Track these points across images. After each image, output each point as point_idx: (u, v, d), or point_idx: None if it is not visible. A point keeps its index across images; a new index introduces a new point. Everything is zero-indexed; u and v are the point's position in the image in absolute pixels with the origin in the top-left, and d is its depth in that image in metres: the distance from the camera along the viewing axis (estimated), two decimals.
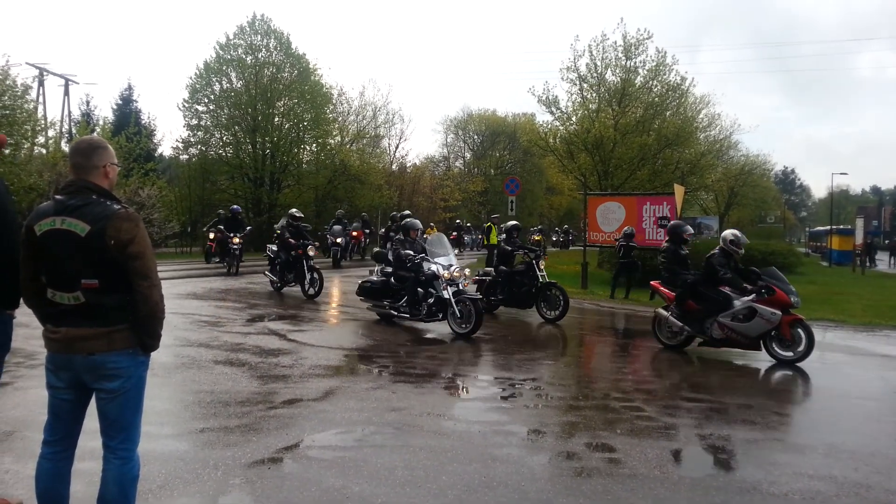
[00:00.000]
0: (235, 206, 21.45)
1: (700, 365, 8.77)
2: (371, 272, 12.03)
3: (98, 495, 3.12)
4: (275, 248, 15.25)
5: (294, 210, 16.18)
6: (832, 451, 5.21)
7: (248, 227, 21.20)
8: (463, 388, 7.07)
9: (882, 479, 4.64)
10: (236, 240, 18.85)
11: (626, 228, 16.36)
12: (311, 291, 13.85)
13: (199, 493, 3.98)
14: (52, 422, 3.19)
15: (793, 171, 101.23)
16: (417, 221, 11.99)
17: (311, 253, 13.98)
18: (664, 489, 4.31)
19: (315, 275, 14.03)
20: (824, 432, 5.84)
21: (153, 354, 3.23)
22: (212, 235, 22.35)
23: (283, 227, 15.15)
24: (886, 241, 50.68)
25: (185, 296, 13.58)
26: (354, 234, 27.59)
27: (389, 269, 11.37)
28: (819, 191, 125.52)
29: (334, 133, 39.77)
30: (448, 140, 60.99)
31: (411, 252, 10.93)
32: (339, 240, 24.35)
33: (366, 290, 11.46)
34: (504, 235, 13.81)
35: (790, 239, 70.79)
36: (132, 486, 3.14)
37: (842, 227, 44.80)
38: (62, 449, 3.19)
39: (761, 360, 8.94)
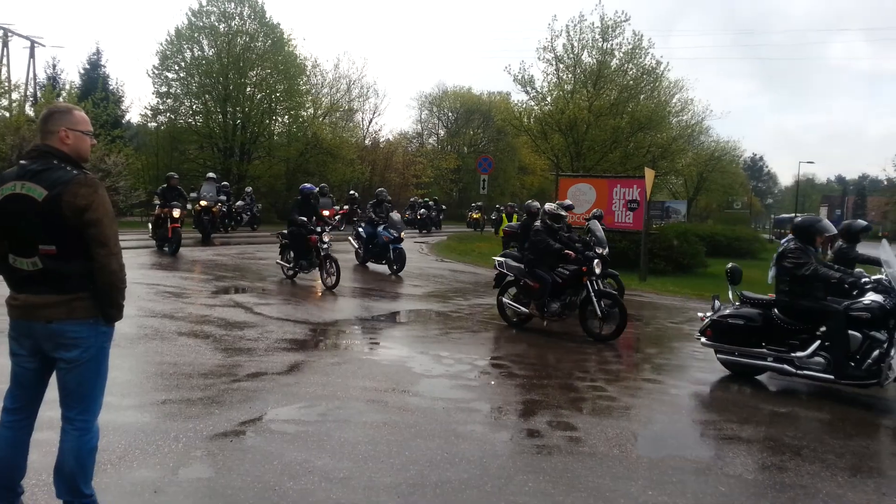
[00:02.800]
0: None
1: (662, 347, 8.91)
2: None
3: (55, 465, 3.08)
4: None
5: (307, 186, 13.29)
6: (787, 434, 5.35)
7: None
8: (428, 365, 7.09)
9: (836, 459, 4.77)
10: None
11: (595, 210, 16.48)
12: (330, 282, 11.60)
13: (159, 465, 3.96)
14: (14, 389, 3.15)
15: (761, 159, 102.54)
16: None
17: (325, 239, 11.77)
18: (622, 468, 4.40)
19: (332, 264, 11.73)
20: (778, 416, 5.98)
21: (116, 324, 3.18)
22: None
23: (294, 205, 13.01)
24: None
25: (150, 266, 13.40)
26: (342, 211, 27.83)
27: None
28: (786, 178, 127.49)
29: (307, 105, 39.27)
30: (422, 116, 60.69)
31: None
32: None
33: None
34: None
35: (756, 225, 71.95)
36: (90, 457, 3.11)
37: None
38: (23, 417, 3.16)
39: None
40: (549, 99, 29.46)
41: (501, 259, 9.90)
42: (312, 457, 4.23)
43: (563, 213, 9.57)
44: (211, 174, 22.59)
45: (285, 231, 12.77)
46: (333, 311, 9.85)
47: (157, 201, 15.85)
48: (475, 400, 5.81)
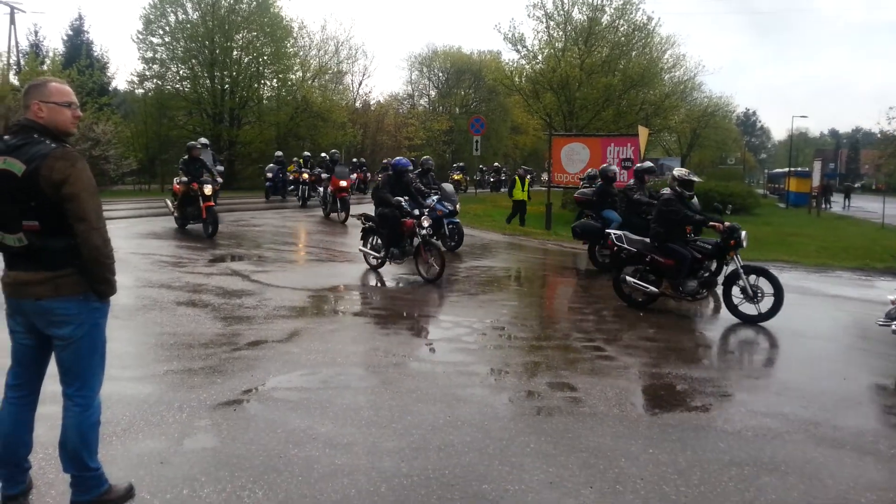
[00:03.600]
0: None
1: (658, 307, 8.96)
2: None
3: (59, 441, 3.10)
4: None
5: (398, 160, 11.07)
6: (784, 390, 5.42)
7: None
8: (428, 329, 7.12)
9: (829, 416, 4.84)
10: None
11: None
12: (432, 273, 9.60)
13: (164, 436, 3.99)
14: (15, 366, 3.16)
15: (754, 114, 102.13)
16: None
17: (425, 224, 9.72)
18: (623, 427, 4.45)
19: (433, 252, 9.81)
20: (776, 371, 6.07)
21: (113, 297, 3.16)
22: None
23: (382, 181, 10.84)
24: (843, 184, 51.84)
25: (144, 235, 13.33)
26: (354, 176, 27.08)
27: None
28: (779, 133, 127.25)
29: (295, 68, 38.76)
30: (412, 77, 59.90)
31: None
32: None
33: None
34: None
35: (749, 181, 71.93)
36: (92, 432, 3.12)
37: (799, 169, 45.65)
38: (27, 393, 3.16)
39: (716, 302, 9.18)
40: (539, 57, 29.18)
41: (619, 233, 8.69)
42: (315, 423, 4.27)
43: (695, 178, 8.70)
44: (203, 139, 20.65)
45: (367, 212, 10.81)
46: (331, 278, 9.85)
47: (182, 176, 13.61)
48: (475, 363, 5.85)
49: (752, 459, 4.01)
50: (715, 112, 52.38)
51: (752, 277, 7.73)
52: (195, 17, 34.34)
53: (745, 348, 7.08)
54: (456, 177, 36.81)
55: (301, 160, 24.52)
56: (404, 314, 7.71)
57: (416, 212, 9.95)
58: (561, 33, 29.01)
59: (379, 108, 49.20)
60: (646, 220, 10.17)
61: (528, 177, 19.94)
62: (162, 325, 6.56)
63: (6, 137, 2.97)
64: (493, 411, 4.68)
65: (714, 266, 8.19)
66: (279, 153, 26.45)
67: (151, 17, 34.14)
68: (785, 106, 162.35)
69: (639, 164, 12.14)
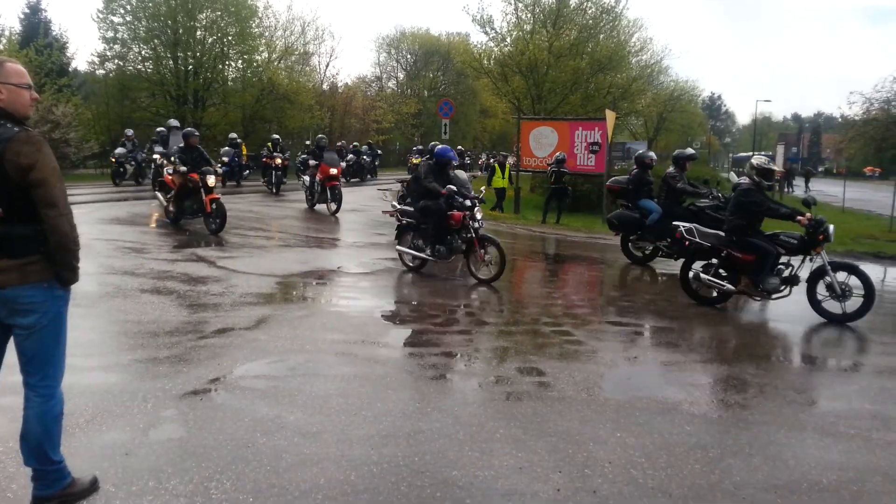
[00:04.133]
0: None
1: (625, 290, 9.06)
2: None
3: (21, 433, 3.02)
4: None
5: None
6: (746, 372, 5.51)
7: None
8: (398, 316, 7.10)
9: (797, 396, 4.94)
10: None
11: (557, 154, 16.46)
12: (489, 272, 8.74)
13: (128, 426, 3.92)
14: None
15: (719, 98, 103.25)
16: None
17: (479, 216, 8.86)
18: (591, 411, 4.49)
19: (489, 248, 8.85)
20: (743, 355, 6.16)
21: (75, 285, 3.09)
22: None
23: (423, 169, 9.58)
24: (804, 168, 52.81)
25: (107, 220, 13.04)
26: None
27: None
28: (743, 117, 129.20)
29: (261, 49, 38.05)
30: (380, 59, 59.39)
31: None
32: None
33: None
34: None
35: (714, 164, 72.88)
36: (55, 422, 3.05)
37: (763, 153, 46.36)
38: None
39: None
40: (508, 40, 29.06)
41: (688, 226, 8.07)
42: (284, 412, 4.23)
43: (775, 167, 8.25)
44: (174, 121, 19.63)
45: (403, 206, 9.79)
46: (298, 263, 9.75)
47: (178, 166, 12.06)
48: (445, 349, 5.85)
49: (717, 442, 4.08)
50: (681, 96, 52.88)
51: (842, 274, 7.37)
52: None
53: (711, 331, 7.18)
54: (414, 160, 36.12)
55: (270, 144, 24.04)
56: (374, 300, 7.67)
57: (468, 203, 8.76)
58: (529, 15, 28.96)
59: (347, 90, 48.69)
60: (689, 210, 9.89)
61: (508, 163, 19.51)
62: (126, 312, 6.43)
63: None
64: (463, 397, 4.70)
65: (796, 261, 7.71)
66: (233, 135, 25.55)
67: None
68: (749, 90, 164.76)
69: (679, 151, 11.42)
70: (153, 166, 17.70)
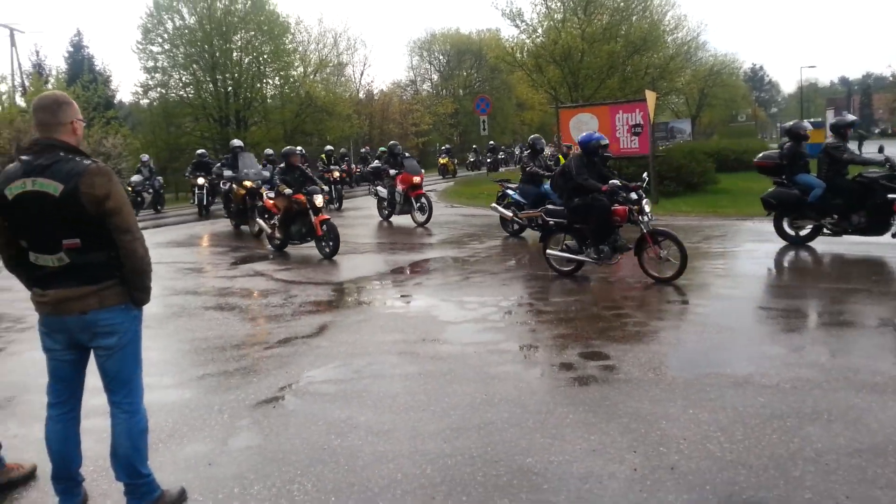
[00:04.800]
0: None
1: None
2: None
3: (110, 450, 3.15)
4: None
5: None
6: (817, 340, 5.39)
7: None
8: (454, 311, 7.14)
9: (869, 361, 4.81)
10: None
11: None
12: (668, 271, 7.78)
13: (208, 438, 4.05)
14: (54, 384, 3.19)
15: (761, 68, 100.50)
16: None
17: (647, 209, 7.89)
18: (659, 390, 4.45)
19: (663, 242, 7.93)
20: (810, 323, 6.02)
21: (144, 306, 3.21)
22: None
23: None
24: (856, 131, 51.02)
25: (165, 244, 13.46)
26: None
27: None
28: (788, 86, 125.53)
29: (296, 64, 38.69)
30: (413, 63, 59.68)
31: None
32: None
33: None
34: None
35: (763, 136, 71.07)
36: (142, 438, 3.17)
37: (812, 120, 44.99)
38: (68, 409, 3.20)
39: (741, 257, 9.12)
40: (539, 30, 28.84)
41: None
42: (354, 413, 4.31)
43: None
44: (238, 141, 17.52)
45: (549, 205, 9.08)
46: (352, 270, 9.88)
47: (282, 188, 10.97)
48: (504, 341, 5.87)
49: (793, 411, 4.00)
50: (721, 70, 51.65)
51: None
52: (192, 21, 34.34)
53: (778, 302, 7.01)
54: (442, 161, 34.37)
55: (325, 157, 23.30)
56: (429, 298, 7.73)
57: (633, 196, 7.81)
58: (559, 4, 28.68)
59: (383, 96, 49.08)
60: (857, 182, 9.06)
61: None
62: (193, 330, 6.63)
63: (26, 158, 2.95)
64: (529, 386, 4.70)
65: None
66: (269, 151, 23.69)
67: (149, 25, 34.21)
68: (792, 57, 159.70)
69: (839, 118, 10.62)
70: (222, 191, 16.59)
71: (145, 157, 22.82)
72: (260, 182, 14.09)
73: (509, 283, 8.38)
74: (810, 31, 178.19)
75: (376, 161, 21.12)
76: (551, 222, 8.45)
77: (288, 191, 10.85)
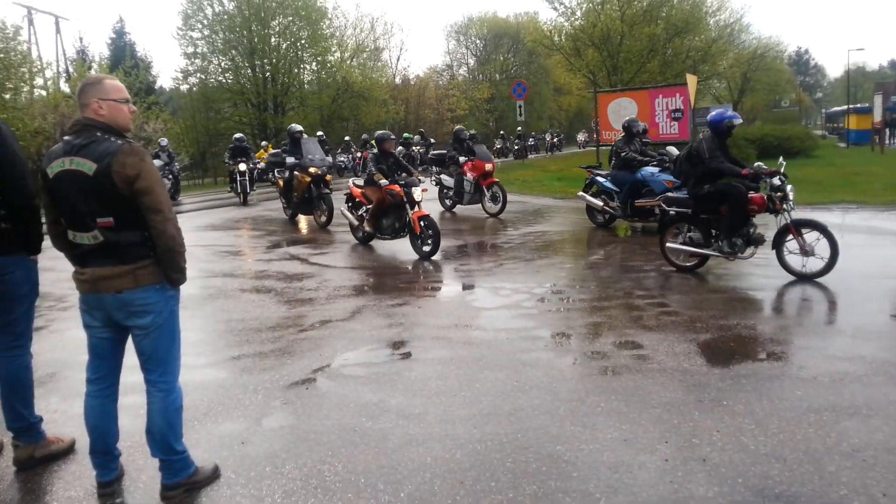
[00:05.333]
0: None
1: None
2: None
3: (146, 427, 3.23)
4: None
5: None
6: (859, 333, 5.25)
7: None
8: (487, 297, 7.13)
9: None
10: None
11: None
12: (816, 267, 6.92)
13: (242, 417, 4.12)
14: (93, 360, 3.27)
15: (806, 52, 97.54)
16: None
17: (791, 195, 7.16)
18: (694, 381, 4.39)
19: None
20: (850, 314, 5.87)
21: (181, 287, 3.26)
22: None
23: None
24: None
25: (203, 227, 13.68)
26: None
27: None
28: (835, 70, 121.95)
29: (333, 49, 38.92)
30: (450, 47, 59.79)
31: None
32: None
33: None
34: None
35: (806, 122, 69.27)
36: (177, 415, 3.24)
37: (859, 105, 43.67)
38: (106, 386, 3.28)
39: None
40: (578, 13, 28.58)
41: None
42: (386, 396, 4.34)
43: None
44: (298, 126, 15.25)
45: (669, 195, 8.07)
46: (386, 255, 9.93)
47: (378, 177, 9.80)
48: (537, 328, 5.84)
49: (831, 405, 3.91)
50: (765, 54, 50.52)
51: None
52: (231, 7, 34.74)
53: (813, 295, 6.86)
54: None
55: (374, 143, 22.22)
56: (463, 285, 7.74)
57: (776, 181, 7.05)
58: None
59: (419, 81, 49.06)
60: None
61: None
62: (229, 312, 6.74)
63: (67, 138, 3.03)
64: (560, 374, 4.68)
65: None
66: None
67: (189, 12, 34.70)
68: (839, 40, 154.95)
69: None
70: (280, 178, 14.93)
71: (164, 141, 22.15)
72: (325, 169, 13.32)
73: (543, 271, 8.32)
74: (858, 13, 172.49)
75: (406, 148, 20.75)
76: (672, 212, 7.68)
77: (384, 181, 9.74)
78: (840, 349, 4.91)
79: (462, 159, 14.06)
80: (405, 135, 29.03)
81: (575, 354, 5.12)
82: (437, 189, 15.00)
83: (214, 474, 3.38)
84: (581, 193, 11.90)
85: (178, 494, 3.23)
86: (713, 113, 7.69)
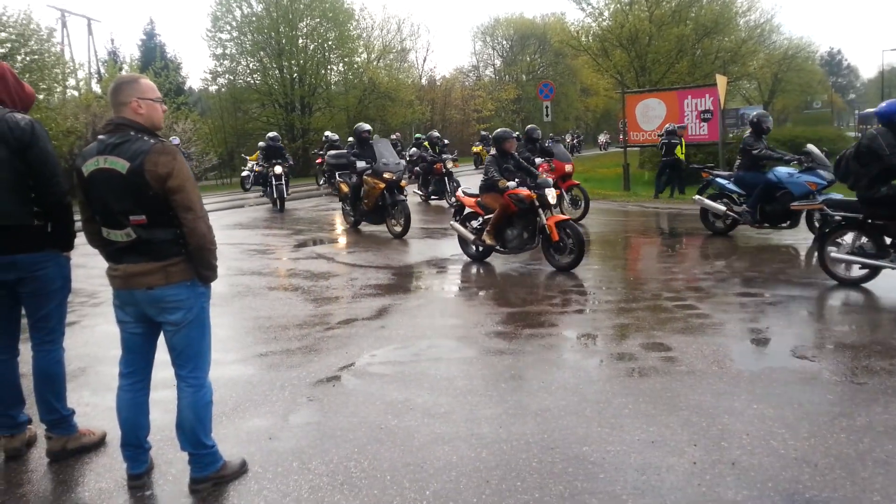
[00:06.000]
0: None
1: (751, 259, 8.65)
2: None
3: (176, 422, 3.27)
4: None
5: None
6: (892, 335, 5.15)
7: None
8: (512, 299, 7.11)
9: None
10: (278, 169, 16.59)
11: (667, 125, 15.91)
12: None
13: (270, 413, 4.15)
14: (126, 355, 3.32)
15: (839, 52, 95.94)
16: None
17: None
18: (723, 384, 4.34)
19: None
20: (886, 319, 5.75)
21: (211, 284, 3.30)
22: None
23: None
24: None
25: (232, 226, 13.82)
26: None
27: None
28: (868, 71, 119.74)
29: (360, 51, 39.17)
30: (476, 48, 59.85)
31: None
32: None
33: None
34: None
35: (839, 124, 68.03)
36: (206, 410, 3.28)
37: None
38: (138, 380, 3.33)
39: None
40: (606, 13, 28.43)
41: None
42: (412, 395, 4.34)
43: None
44: (365, 125, 13.63)
45: (831, 196, 7.42)
46: (411, 255, 9.95)
47: (502, 183, 8.34)
48: (564, 329, 5.81)
49: (864, 410, 3.84)
50: (796, 54, 49.76)
51: None
52: (259, 9, 35.11)
53: (848, 298, 6.74)
54: (475, 149, 31.22)
55: (428, 144, 19.88)
56: (488, 285, 7.72)
57: None
58: None
59: (445, 82, 49.13)
60: None
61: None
62: (257, 309, 6.80)
63: (102, 137, 3.09)
64: (587, 375, 4.65)
65: None
66: (332, 135, 22.36)
67: (218, 13, 35.16)
68: (873, 40, 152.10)
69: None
70: (347, 182, 13.04)
71: (176, 140, 20.58)
72: (400, 174, 11.90)
73: (568, 273, 8.26)
74: (893, 13, 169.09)
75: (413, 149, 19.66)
76: (837, 217, 6.88)
77: (511, 183, 8.37)
78: (873, 353, 4.81)
79: (540, 160, 12.30)
80: (416, 135, 26.82)
81: (602, 355, 5.08)
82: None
83: (242, 469, 3.41)
84: (698, 197, 10.92)
85: (206, 488, 3.26)
86: (883, 105, 6.54)
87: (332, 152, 15.65)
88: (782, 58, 47.76)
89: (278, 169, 16.66)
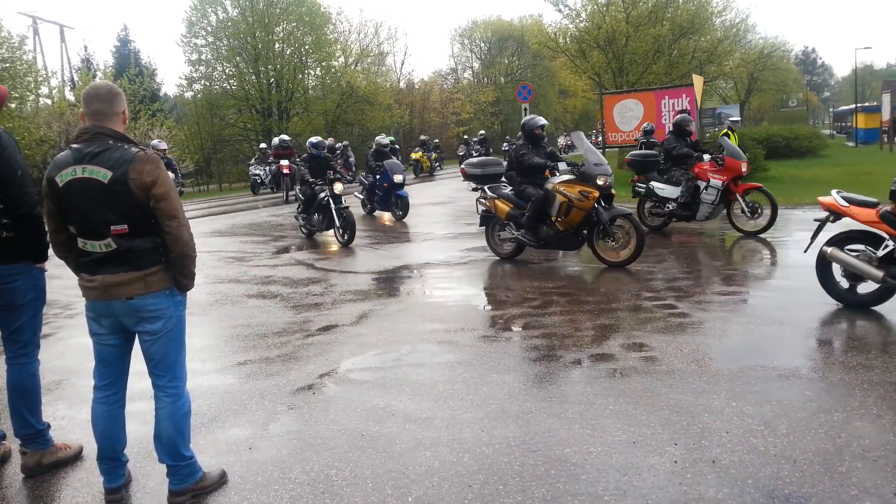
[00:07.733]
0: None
1: (730, 258, 8.73)
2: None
3: (154, 433, 3.22)
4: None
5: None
6: (868, 335, 5.21)
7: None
8: (493, 302, 7.11)
9: None
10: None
11: (644, 125, 16.02)
12: None
13: (249, 423, 4.11)
14: (100, 367, 3.27)
15: (813, 51, 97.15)
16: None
17: None
18: (703, 382, 4.36)
19: None
20: (859, 317, 5.82)
21: (188, 293, 3.26)
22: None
23: None
24: None
25: (209, 233, 13.71)
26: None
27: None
28: (842, 69, 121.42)
29: (337, 54, 39.06)
30: (454, 51, 59.75)
31: None
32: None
33: None
34: None
35: (814, 121, 68.98)
36: (185, 420, 3.24)
37: (867, 104, 43.43)
38: (113, 392, 3.28)
39: (790, 247, 8.88)
40: (583, 15, 28.56)
41: None
42: (393, 401, 4.32)
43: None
44: (384, 138, 15.80)
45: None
46: (393, 259, 9.93)
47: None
48: (544, 331, 5.82)
49: (841, 405, 3.88)
50: (772, 53, 50.30)
51: None
52: (235, 14, 34.91)
53: (824, 296, 6.81)
54: (415, 156, 28.99)
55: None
56: (469, 288, 7.72)
57: None
58: None
59: (423, 86, 49.17)
60: None
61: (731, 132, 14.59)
62: (235, 317, 6.74)
63: (77, 146, 3.02)
64: (568, 376, 4.66)
65: None
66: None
67: (193, 19, 34.90)
68: (846, 39, 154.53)
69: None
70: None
71: (163, 144, 19.96)
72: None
73: (550, 274, 8.29)
74: (866, 11, 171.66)
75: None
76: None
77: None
78: (850, 349, 4.87)
79: (706, 157, 10.48)
80: (386, 137, 25.62)
81: (582, 357, 5.09)
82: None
83: (221, 480, 3.37)
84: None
85: (185, 500, 3.22)
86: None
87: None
88: (758, 57, 48.26)
89: (338, 187, 11.59)
